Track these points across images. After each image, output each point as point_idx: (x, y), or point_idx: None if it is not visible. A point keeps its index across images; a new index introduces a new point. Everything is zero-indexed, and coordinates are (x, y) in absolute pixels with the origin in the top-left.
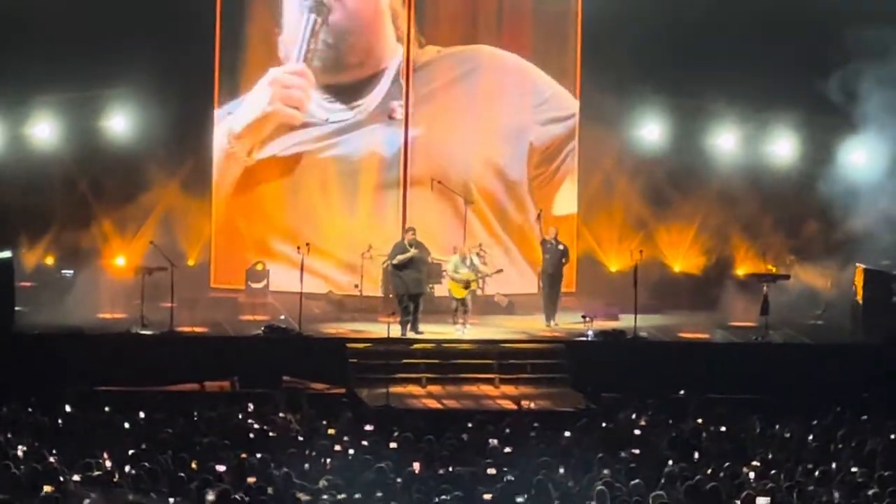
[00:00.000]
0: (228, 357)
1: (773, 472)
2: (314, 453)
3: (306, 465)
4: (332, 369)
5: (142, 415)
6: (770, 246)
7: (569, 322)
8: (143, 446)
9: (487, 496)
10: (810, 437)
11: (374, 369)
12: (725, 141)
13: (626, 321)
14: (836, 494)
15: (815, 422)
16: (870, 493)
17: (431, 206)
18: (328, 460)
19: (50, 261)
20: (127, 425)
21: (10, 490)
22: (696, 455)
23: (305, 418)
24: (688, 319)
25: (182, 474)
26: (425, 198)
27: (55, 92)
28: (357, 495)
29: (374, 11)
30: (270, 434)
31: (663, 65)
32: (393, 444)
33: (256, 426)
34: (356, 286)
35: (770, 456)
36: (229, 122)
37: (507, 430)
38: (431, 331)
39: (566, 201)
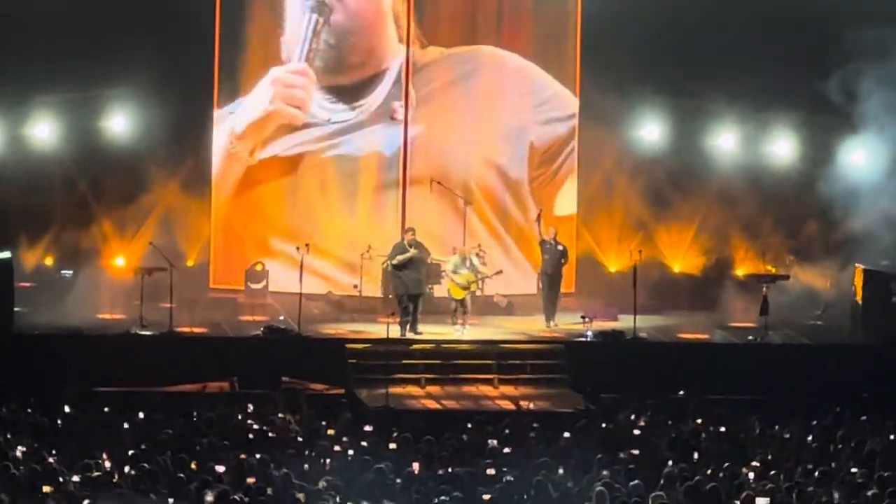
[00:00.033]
0: (228, 357)
1: (772, 472)
2: (313, 454)
3: (306, 466)
4: (332, 370)
5: (141, 415)
6: (770, 246)
7: (568, 322)
8: (143, 447)
9: (487, 497)
10: (810, 438)
11: (373, 370)
12: (725, 141)
13: (625, 322)
14: (836, 495)
15: (814, 422)
16: (869, 493)
17: (431, 206)
18: (327, 461)
19: (49, 261)
20: (126, 426)
21: (9, 490)
22: (696, 455)
23: (305, 419)
24: (687, 320)
25: (181, 475)
26: (425, 198)
27: (55, 92)
28: (356, 496)
29: (375, 12)
30: (270, 435)
31: (663, 65)
32: (392, 445)
33: (256, 427)
34: (355, 286)
35: (769, 456)
36: (231, 121)
37: (507, 431)
38: (431, 331)
39: (567, 201)
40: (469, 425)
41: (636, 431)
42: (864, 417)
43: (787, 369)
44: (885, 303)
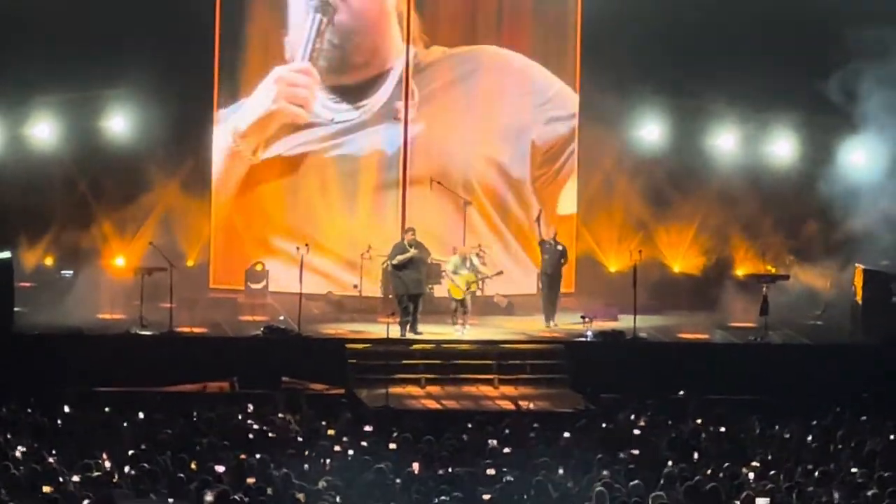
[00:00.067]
0: (228, 357)
1: (772, 472)
2: (313, 454)
3: (306, 466)
4: (332, 370)
5: (141, 415)
6: (770, 246)
7: (568, 323)
8: (143, 447)
9: (487, 497)
10: (810, 438)
11: (373, 370)
12: (725, 141)
13: (625, 322)
14: (836, 495)
15: (814, 422)
16: (869, 493)
17: (431, 206)
18: (327, 461)
19: (49, 261)
20: (126, 426)
21: (9, 490)
22: (696, 456)
23: (305, 419)
24: (687, 320)
25: (181, 475)
26: (425, 198)
27: (55, 92)
28: (356, 496)
29: (379, 11)
30: (270, 435)
31: (663, 65)
32: (392, 445)
33: (256, 427)
34: (355, 286)
35: (769, 456)
36: (234, 120)
37: (507, 431)
38: (431, 331)
39: (570, 201)
40: (469, 425)
41: (636, 431)
42: (864, 417)
43: (787, 369)
44: (885, 303)
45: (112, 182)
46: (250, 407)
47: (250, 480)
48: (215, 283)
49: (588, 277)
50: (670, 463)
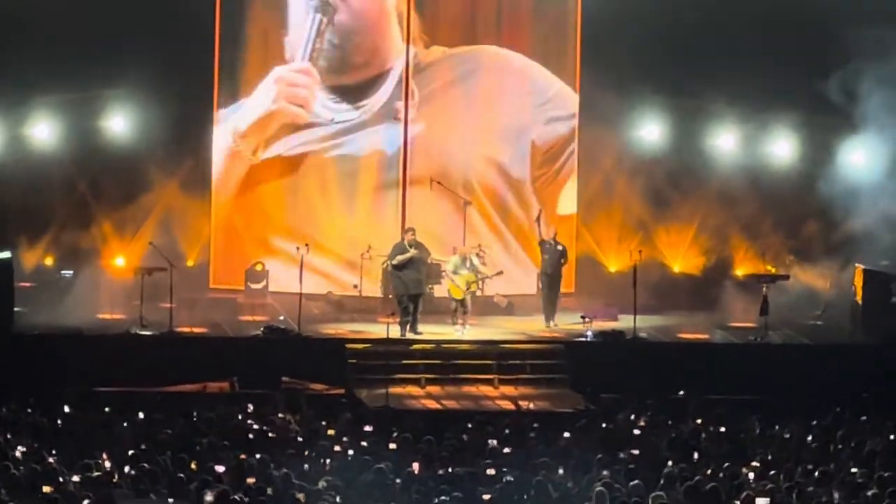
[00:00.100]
0: (228, 357)
1: (772, 472)
2: (313, 454)
3: (306, 466)
4: (332, 370)
5: (141, 415)
6: (769, 246)
7: (568, 323)
8: (143, 447)
9: (487, 497)
10: (810, 438)
11: (373, 370)
12: (725, 141)
13: (625, 322)
14: (836, 495)
15: (814, 422)
16: (869, 493)
17: (431, 206)
18: (327, 461)
19: (49, 261)
20: (126, 426)
21: (9, 490)
22: (696, 456)
23: (305, 419)
24: (687, 320)
25: (181, 475)
26: (425, 198)
27: (55, 92)
28: (356, 496)
29: (379, 11)
30: (270, 435)
31: (663, 65)
32: (392, 445)
33: (256, 427)
34: (355, 286)
35: (769, 456)
36: (234, 120)
37: (507, 431)
38: (431, 331)
39: (570, 201)
40: (469, 425)
41: (636, 431)
42: (864, 417)
43: (787, 369)
44: (885, 303)
45: (112, 182)
46: (250, 407)
47: (250, 480)
48: (215, 283)
49: (588, 277)
50: (670, 463)
